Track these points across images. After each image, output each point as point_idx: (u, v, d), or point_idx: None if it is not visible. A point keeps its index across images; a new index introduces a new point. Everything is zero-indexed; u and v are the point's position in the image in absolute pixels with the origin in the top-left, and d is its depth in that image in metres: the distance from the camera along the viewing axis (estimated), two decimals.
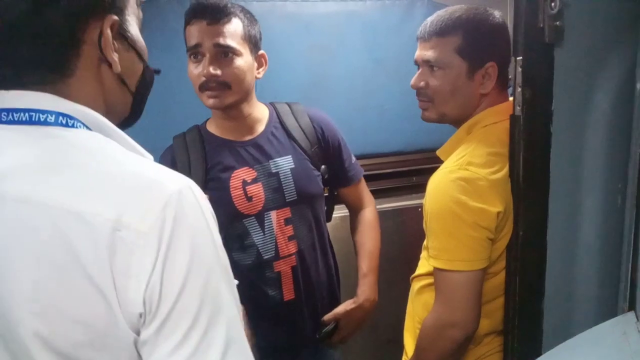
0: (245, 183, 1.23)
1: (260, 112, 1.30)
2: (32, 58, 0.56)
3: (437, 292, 1.01)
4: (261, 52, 1.26)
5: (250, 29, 1.21)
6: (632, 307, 0.71)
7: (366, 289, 1.37)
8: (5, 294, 0.52)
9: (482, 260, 0.95)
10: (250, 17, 1.23)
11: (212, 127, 1.29)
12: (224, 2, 1.17)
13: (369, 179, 2.07)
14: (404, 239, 2.13)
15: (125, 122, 0.68)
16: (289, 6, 1.90)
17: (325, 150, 1.35)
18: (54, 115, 0.56)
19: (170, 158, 1.26)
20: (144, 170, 0.56)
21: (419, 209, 2.13)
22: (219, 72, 1.14)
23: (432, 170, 2.07)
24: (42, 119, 0.55)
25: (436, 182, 1.00)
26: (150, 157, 0.63)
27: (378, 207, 2.08)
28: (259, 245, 1.24)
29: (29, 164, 0.54)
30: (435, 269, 0.99)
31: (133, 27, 0.65)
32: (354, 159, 1.44)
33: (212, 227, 0.57)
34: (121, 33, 0.62)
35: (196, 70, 1.17)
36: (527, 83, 0.85)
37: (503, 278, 1.01)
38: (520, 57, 0.85)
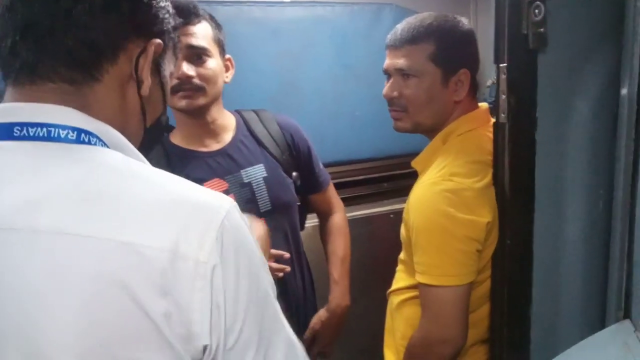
0: None
1: (227, 120, 1.25)
2: (73, 53, 0.53)
3: (424, 308, 0.98)
4: (228, 56, 1.23)
5: (218, 32, 1.18)
6: (627, 315, 0.70)
7: (338, 296, 1.35)
8: (42, 341, 0.45)
9: (471, 273, 0.93)
10: (216, 22, 1.19)
11: (176, 139, 1.22)
12: (193, 3, 1.12)
13: (340, 186, 2.05)
14: (376, 246, 2.11)
15: None
16: (255, 11, 1.85)
17: (296, 157, 1.32)
18: (75, 132, 0.51)
19: None
20: (188, 192, 0.53)
21: (391, 215, 2.15)
22: (193, 72, 1.10)
23: (404, 177, 2.11)
24: (62, 136, 0.50)
25: (420, 195, 0.97)
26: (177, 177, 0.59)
27: (350, 214, 2.07)
28: None
29: (62, 190, 0.48)
30: (422, 284, 0.96)
31: (167, 68, 0.64)
32: (321, 165, 1.42)
33: (258, 247, 0.55)
34: (157, 64, 0.62)
35: (175, 71, 1.10)
36: (512, 90, 0.84)
37: (488, 287, 1.00)
38: (505, 64, 0.84)
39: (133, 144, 0.62)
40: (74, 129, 0.51)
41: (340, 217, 1.46)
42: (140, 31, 0.58)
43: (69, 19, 0.52)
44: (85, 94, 0.54)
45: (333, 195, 1.47)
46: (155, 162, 1.14)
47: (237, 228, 0.52)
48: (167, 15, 0.63)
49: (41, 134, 0.50)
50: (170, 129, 0.69)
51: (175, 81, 1.09)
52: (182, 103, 1.12)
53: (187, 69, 1.09)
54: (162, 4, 0.62)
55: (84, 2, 0.52)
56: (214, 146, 1.21)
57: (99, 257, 0.46)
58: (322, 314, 1.34)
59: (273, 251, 1.17)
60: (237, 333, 0.49)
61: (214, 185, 1.18)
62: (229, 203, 0.53)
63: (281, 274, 1.17)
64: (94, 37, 0.53)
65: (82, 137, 0.52)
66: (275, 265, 1.17)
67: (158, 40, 0.60)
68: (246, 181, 1.20)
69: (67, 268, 0.46)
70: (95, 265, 0.46)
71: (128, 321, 0.46)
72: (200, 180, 1.16)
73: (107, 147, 0.54)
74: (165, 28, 0.62)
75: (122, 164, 0.53)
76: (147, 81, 0.60)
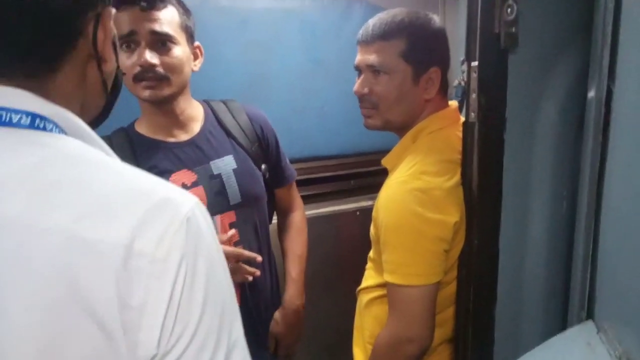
0: (185, 187, 1.13)
1: (195, 110, 1.21)
2: (29, 47, 0.49)
3: (391, 306, 0.97)
4: (197, 43, 1.18)
5: (186, 19, 1.12)
6: (590, 315, 0.71)
7: (294, 294, 1.33)
8: None
9: (438, 273, 0.93)
10: (184, 7, 1.14)
11: (141, 128, 1.17)
12: None
13: (307, 182, 2.03)
14: (342, 244, 2.10)
15: (90, 124, 0.59)
16: (223, 0, 1.80)
17: (265, 149, 1.30)
18: (29, 117, 0.47)
19: None
20: (150, 185, 0.49)
21: (357, 213, 2.14)
22: (156, 60, 1.04)
23: (371, 174, 2.11)
24: (14, 120, 0.46)
25: (390, 194, 0.96)
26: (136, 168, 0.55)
27: (316, 211, 2.05)
28: None
29: (13, 178, 0.44)
30: (390, 283, 0.95)
31: (112, 25, 0.58)
32: (287, 159, 1.40)
33: (221, 252, 0.52)
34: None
35: (129, 60, 1.04)
36: (483, 89, 0.84)
37: (455, 287, 1.00)
38: (476, 63, 0.83)
39: (94, 114, 0.60)
40: (27, 113, 0.48)
41: (300, 215, 1.44)
42: (91, 4, 0.53)
43: (20, 12, 0.48)
44: (44, 84, 0.51)
45: (295, 192, 1.45)
46: (120, 152, 1.09)
47: (199, 227, 0.49)
48: None
49: None
50: (123, 74, 0.66)
51: (137, 69, 1.04)
52: (146, 93, 1.06)
53: (150, 56, 1.03)
54: None
55: None
56: (182, 137, 1.17)
57: (51, 252, 0.43)
58: (277, 315, 1.32)
59: (246, 253, 1.14)
60: (189, 337, 0.46)
61: (182, 176, 1.13)
62: (192, 200, 0.50)
63: (251, 278, 1.14)
64: (48, 28, 0.49)
65: (36, 122, 0.48)
66: (246, 268, 1.14)
67: (112, 10, 0.56)
68: (216, 173, 1.17)
69: (18, 261, 0.43)
70: (46, 259, 0.43)
71: (77, 324, 0.43)
72: (168, 172, 1.12)
73: (65, 133, 0.50)
74: None
75: (79, 153, 0.50)
76: (112, 59, 0.56)
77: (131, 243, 0.44)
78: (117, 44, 0.61)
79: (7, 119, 0.47)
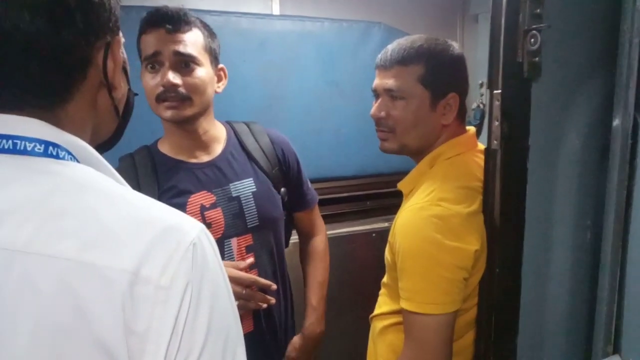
0: (203, 208, 1.13)
1: (217, 131, 1.22)
2: (40, 80, 0.49)
3: (407, 334, 0.95)
4: (221, 65, 1.20)
5: (211, 41, 1.14)
6: (616, 350, 0.69)
7: (314, 322, 1.32)
8: None
9: (456, 302, 0.92)
10: (210, 30, 1.16)
11: (164, 147, 1.18)
12: (184, 11, 1.09)
13: (322, 202, 2.02)
14: (357, 265, 2.09)
15: (102, 147, 0.62)
16: (243, 22, 1.83)
17: (285, 173, 1.30)
18: (42, 145, 0.48)
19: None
20: (157, 213, 0.50)
21: (373, 234, 2.13)
22: (179, 81, 1.06)
23: (386, 196, 2.10)
24: (28, 148, 0.47)
25: (408, 220, 0.95)
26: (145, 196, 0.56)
27: (331, 232, 2.04)
28: None
29: (24, 205, 0.45)
30: (406, 311, 0.94)
31: (123, 50, 0.60)
32: (309, 183, 1.40)
33: (227, 279, 0.52)
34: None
35: (153, 80, 1.07)
36: (506, 117, 0.83)
37: (474, 314, 0.99)
38: (499, 91, 0.83)
39: (106, 137, 0.61)
40: (41, 141, 0.49)
41: (322, 240, 1.43)
42: (100, 34, 0.54)
43: (28, 47, 0.49)
44: (56, 114, 0.52)
45: (317, 216, 1.45)
46: (142, 170, 1.11)
47: (205, 254, 0.49)
48: (114, 1, 0.58)
49: (6, 147, 0.48)
50: (136, 94, 0.67)
51: (160, 89, 1.06)
52: (168, 113, 1.08)
53: (173, 77, 1.05)
54: None
55: (37, 26, 0.48)
56: (204, 158, 1.18)
57: (57, 276, 0.44)
58: (296, 340, 1.31)
59: (261, 281, 1.13)
60: None
61: (201, 198, 1.14)
62: (198, 228, 0.51)
63: (265, 305, 1.14)
64: (59, 60, 0.50)
65: (49, 150, 0.49)
66: (261, 295, 1.14)
67: (121, 39, 0.57)
68: (234, 195, 1.17)
69: (23, 286, 0.43)
70: (51, 285, 0.44)
71: (81, 350, 0.44)
72: (187, 193, 1.13)
73: (78, 161, 0.52)
74: (119, 13, 0.58)
75: (90, 180, 0.51)
76: (121, 86, 0.57)
77: (137, 270, 0.45)
78: (128, 69, 0.62)
79: (22, 147, 0.48)
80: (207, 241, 0.51)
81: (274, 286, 1.15)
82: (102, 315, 0.44)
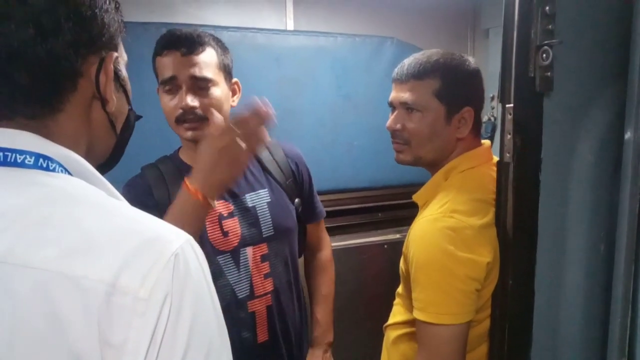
0: (221, 217, 1.16)
1: None
2: (28, 89, 0.50)
3: (421, 345, 0.96)
4: (235, 79, 1.23)
5: (224, 57, 1.18)
6: None
7: (320, 335, 1.35)
8: None
9: (469, 313, 0.92)
10: (222, 45, 1.20)
11: (185, 156, 1.22)
12: (197, 32, 1.13)
13: (335, 214, 2.05)
14: (369, 276, 2.10)
15: (103, 167, 0.62)
16: (259, 37, 1.88)
17: (299, 184, 1.33)
18: (33, 157, 0.49)
19: (142, 190, 1.14)
20: (141, 224, 0.49)
21: (385, 246, 2.13)
22: (196, 103, 1.09)
23: (398, 207, 2.11)
24: (18, 160, 0.48)
25: (421, 231, 0.97)
26: (134, 208, 0.56)
27: (343, 243, 2.06)
28: (233, 284, 1.16)
29: (6, 214, 0.46)
30: (419, 321, 0.95)
31: (123, 67, 0.61)
32: (318, 197, 1.43)
33: (212, 292, 0.51)
34: (116, 72, 0.59)
35: (172, 103, 1.11)
36: (518, 131, 0.85)
37: (486, 326, 0.99)
38: (511, 105, 0.85)
39: (104, 153, 0.61)
40: (32, 153, 0.50)
41: (327, 254, 1.45)
42: (93, 48, 0.55)
43: (14, 56, 0.49)
44: (47, 124, 0.52)
45: (323, 230, 1.47)
46: (171, 179, 1.13)
47: (188, 265, 0.48)
48: (113, 17, 0.58)
49: None
50: (138, 118, 0.68)
51: (179, 111, 1.10)
52: (188, 134, 1.12)
53: (191, 100, 1.09)
54: (105, 6, 0.56)
55: (23, 35, 0.48)
56: None
57: (34, 286, 0.43)
58: (311, 357, 1.33)
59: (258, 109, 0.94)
60: None
61: (220, 207, 1.17)
62: (183, 238, 0.49)
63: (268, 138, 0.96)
64: (46, 70, 0.51)
65: (40, 162, 0.50)
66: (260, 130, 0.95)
67: (115, 54, 0.57)
68: (250, 205, 1.20)
69: (1, 298, 0.43)
70: (28, 295, 0.43)
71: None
72: None
73: (70, 173, 0.52)
74: (115, 30, 0.58)
75: (79, 192, 0.51)
76: (113, 99, 0.58)
77: (115, 280, 0.44)
78: (128, 88, 0.63)
79: (13, 159, 0.49)
80: (192, 252, 0.49)
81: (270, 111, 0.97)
82: (77, 326, 0.43)
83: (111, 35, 0.57)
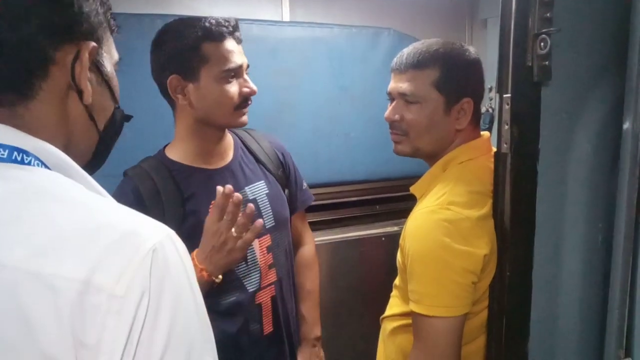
0: None
1: (228, 137, 1.25)
2: None
3: (416, 337, 0.96)
4: None
5: None
6: (628, 354, 0.69)
7: (306, 330, 1.35)
8: None
9: (465, 305, 0.92)
10: None
11: (175, 155, 1.17)
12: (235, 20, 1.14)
13: (333, 207, 2.04)
14: (366, 269, 2.09)
15: (88, 167, 0.59)
16: (254, 29, 1.85)
17: (287, 174, 1.34)
18: (7, 150, 0.47)
19: (133, 196, 1.08)
20: (118, 218, 0.47)
21: (382, 238, 2.13)
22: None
23: (396, 200, 2.10)
24: None
25: (418, 223, 0.96)
26: (113, 200, 0.54)
27: (341, 235, 2.05)
28: (242, 278, 1.16)
29: None
30: (415, 313, 0.94)
31: (108, 64, 0.59)
32: (305, 184, 1.42)
33: (195, 287, 0.48)
34: (96, 65, 0.56)
35: (233, 89, 1.11)
36: (516, 121, 0.84)
37: (483, 318, 0.99)
38: (509, 95, 0.84)
39: (86, 153, 0.59)
40: (5, 146, 0.48)
41: (310, 249, 1.45)
42: (68, 36, 0.53)
43: None
44: (20, 114, 0.51)
45: (306, 224, 1.47)
46: (162, 181, 1.11)
47: (167, 261, 0.46)
48: (95, 9, 0.56)
49: None
50: (128, 118, 0.66)
51: (241, 97, 1.11)
52: (245, 119, 1.15)
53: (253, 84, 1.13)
54: None
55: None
56: (219, 163, 1.20)
57: (5, 288, 0.42)
58: (302, 354, 1.33)
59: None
60: None
61: None
62: (162, 232, 0.47)
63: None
64: (15, 54, 0.49)
65: (14, 155, 0.48)
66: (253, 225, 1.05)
67: (92, 44, 0.55)
68: (251, 198, 1.19)
69: None
70: (1, 298, 0.41)
71: None
72: (209, 198, 1.12)
73: (47, 167, 0.50)
74: (96, 22, 0.56)
75: (55, 187, 0.49)
76: (88, 89, 0.55)
77: (89, 278, 0.42)
78: (113, 85, 0.60)
79: None
80: (172, 247, 0.47)
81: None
82: (49, 328, 0.41)
83: (92, 25, 0.55)
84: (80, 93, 0.55)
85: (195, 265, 0.98)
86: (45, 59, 0.51)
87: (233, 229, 1.00)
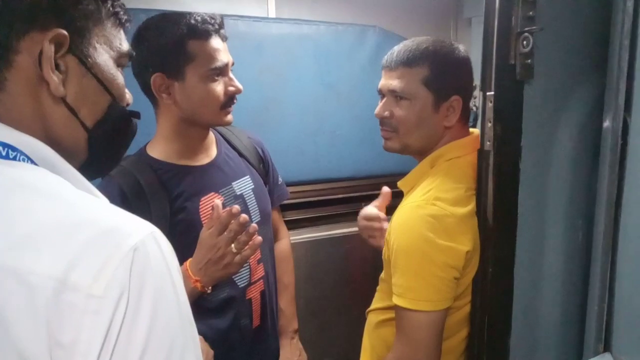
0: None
1: (211, 133, 1.24)
2: None
3: (398, 330, 0.97)
4: None
5: None
6: (607, 348, 0.70)
7: (284, 324, 1.37)
8: None
9: (447, 300, 0.93)
10: None
11: (158, 154, 1.14)
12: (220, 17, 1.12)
13: (319, 204, 2.04)
14: (352, 265, 2.10)
15: (85, 168, 0.57)
16: (240, 25, 1.84)
17: (267, 169, 1.34)
18: None
19: (118, 196, 1.04)
20: (99, 215, 0.46)
21: None
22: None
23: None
24: None
25: (403, 218, 0.97)
26: (105, 200, 0.53)
27: (328, 232, 2.05)
28: (233, 275, 1.14)
29: None
30: (398, 307, 0.95)
31: (100, 55, 0.56)
32: (280, 179, 1.42)
33: (178, 287, 0.47)
34: (77, 55, 0.53)
35: (219, 88, 1.08)
36: (498, 119, 0.85)
37: (465, 313, 1.00)
38: (492, 93, 0.85)
39: (75, 150, 0.56)
40: None
41: (286, 243, 1.46)
42: (33, 23, 0.50)
43: None
44: None
45: (281, 219, 1.48)
46: (146, 182, 1.07)
47: (148, 260, 0.44)
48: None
49: None
50: (133, 115, 0.63)
51: (227, 96, 1.09)
52: (230, 118, 1.13)
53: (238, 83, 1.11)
54: None
55: None
56: (204, 160, 1.18)
57: None
58: (284, 352, 1.35)
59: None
60: None
61: (211, 199, 1.14)
62: (145, 231, 0.46)
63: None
64: None
65: None
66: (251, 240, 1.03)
67: (56, 30, 0.51)
68: (239, 193, 1.19)
69: None
70: None
71: None
72: (197, 195, 1.12)
73: (35, 163, 0.49)
74: (80, 11, 0.54)
75: (39, 182, 0.47)
76: (53, 80, 0.51)
77: (65, 276, 0.41)
78: (101, 76, 0.57)
79: None
80: (155, 245, 0.46)
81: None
82: (24, 326, 0.40)
83: (68, 14, 0.52)
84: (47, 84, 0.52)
85: (189, 277, 0.98)
86: (7, 48, 0.49)
87: (233, 245, 0.98)
